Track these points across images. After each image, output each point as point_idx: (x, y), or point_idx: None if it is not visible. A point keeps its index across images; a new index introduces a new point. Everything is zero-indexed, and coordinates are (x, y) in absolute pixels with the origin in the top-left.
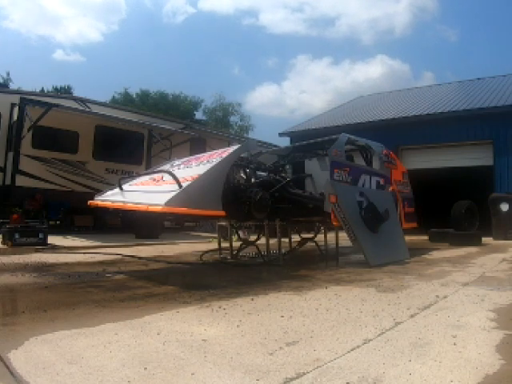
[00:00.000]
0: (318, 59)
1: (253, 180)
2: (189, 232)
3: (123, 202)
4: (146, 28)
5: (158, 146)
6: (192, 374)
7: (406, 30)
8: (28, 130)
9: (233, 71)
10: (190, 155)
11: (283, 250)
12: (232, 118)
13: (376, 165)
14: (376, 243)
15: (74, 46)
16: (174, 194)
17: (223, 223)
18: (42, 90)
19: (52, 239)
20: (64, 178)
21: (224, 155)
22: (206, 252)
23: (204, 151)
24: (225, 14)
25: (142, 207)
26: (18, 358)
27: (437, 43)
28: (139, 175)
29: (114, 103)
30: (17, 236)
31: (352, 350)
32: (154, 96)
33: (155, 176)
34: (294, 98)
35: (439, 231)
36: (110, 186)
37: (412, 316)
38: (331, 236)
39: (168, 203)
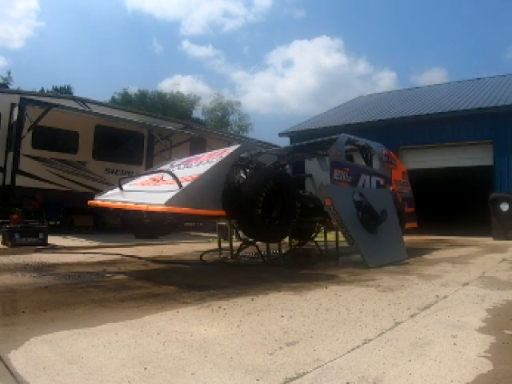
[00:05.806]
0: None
1: None
2: (189, 232)
3: (123, 201)
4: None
5: (158, 145)
6: (192, 374)
7: None
8: (28, 130)
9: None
10: (190, 155)
11: (283, 250)
12: (231, 118)
13: (376, 165)
14: (374, 244)
15: None
16: (174, 193)
17: (223, 223)
18: (42, 90)
19: (52, 239)
20: (64, 178)
21: (224, 155)
22: (206, 252)
23: (204, 151)
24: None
25: (142, 207)
26: (18, 358)
27: None
28: (139, 175)
29: (114, 103)
30: (17, 236)
31: (352, 349)
32: (152, 96)
33: (155, 176)
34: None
35: None
36: (110, 185)
37: (412, 316)
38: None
39: (168, 203)
